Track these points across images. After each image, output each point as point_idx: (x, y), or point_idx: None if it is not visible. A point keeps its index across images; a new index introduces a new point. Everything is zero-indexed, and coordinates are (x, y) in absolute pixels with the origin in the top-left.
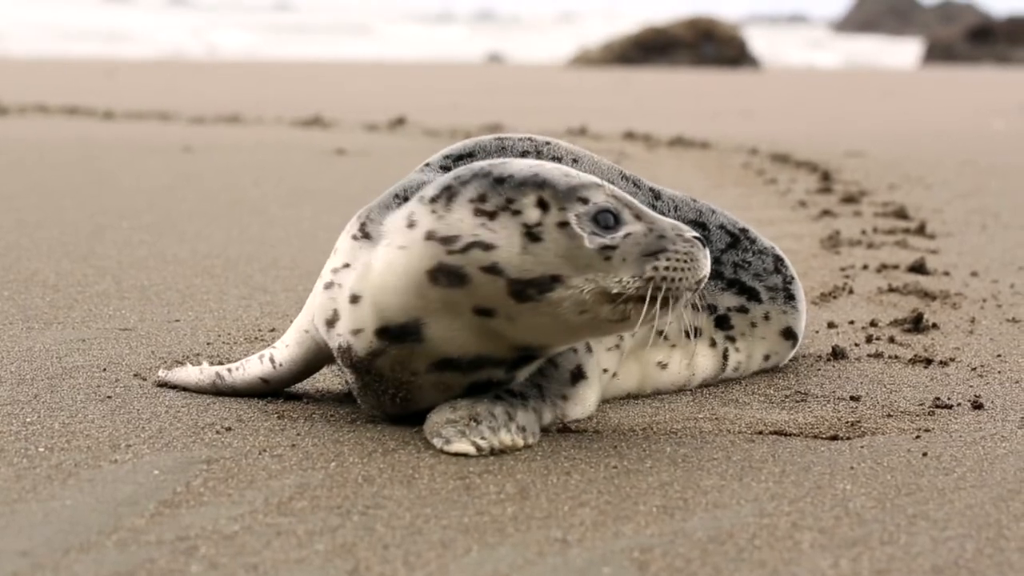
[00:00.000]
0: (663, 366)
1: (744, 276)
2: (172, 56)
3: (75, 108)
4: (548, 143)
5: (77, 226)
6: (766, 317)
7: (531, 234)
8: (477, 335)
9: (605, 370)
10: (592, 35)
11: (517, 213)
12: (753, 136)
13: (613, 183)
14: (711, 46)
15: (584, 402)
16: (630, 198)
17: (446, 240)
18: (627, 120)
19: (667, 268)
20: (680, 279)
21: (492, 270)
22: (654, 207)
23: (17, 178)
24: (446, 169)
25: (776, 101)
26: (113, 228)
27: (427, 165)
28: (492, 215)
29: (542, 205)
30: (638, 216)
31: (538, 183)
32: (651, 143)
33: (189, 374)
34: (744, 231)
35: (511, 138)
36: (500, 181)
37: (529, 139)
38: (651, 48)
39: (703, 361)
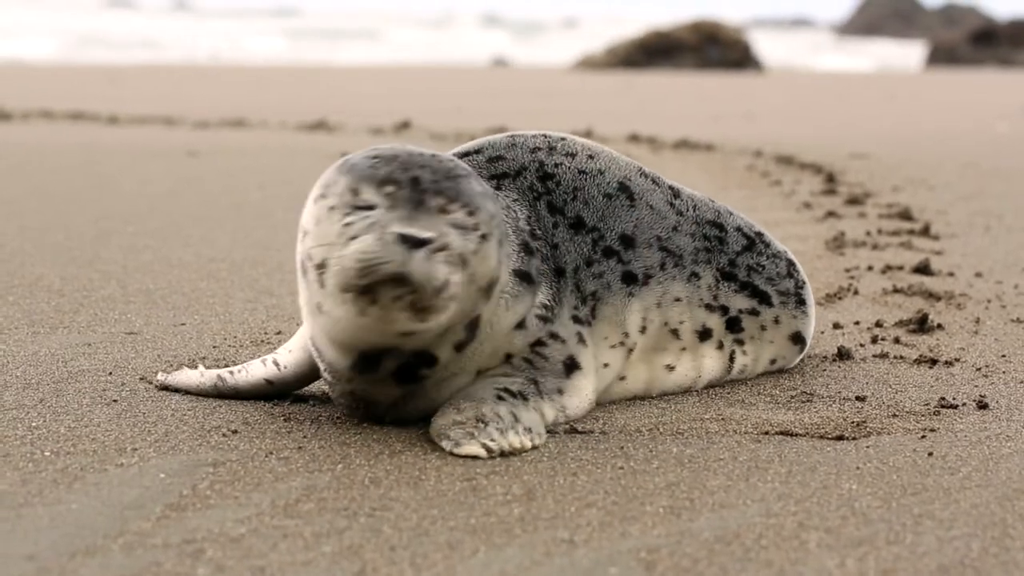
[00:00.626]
0: (671, 368)
1: (757, 280)
2: (176, 61)
3: (79, 113)
4: (563, 139)
5: (81, 231)
6: (776, 321)
7: (318, 218)
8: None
9: (606, 365)
10: (596, 39)
11: (323, 198)
12: (757, 139)
13: (630, 179)
14: (715, 49)
15: (581, 392)
16: (417, 198)
17: (302, 231)
18: (631, 123)
19: (340, 256)
20: (338, 269)
21: (308, 256)
22: (672, 205)
23: (20, 183)
24: None
25: (780, 104)
26: (118, 233)
27: None
28: (315, 201)
29: (336, 195)
30: (392, 209)
31: (343, 172)
32: (656, 146)
33: (190, 377)
34: (760, 235)
35: (524, 135)
36: (338, 171)
37: (543, 135)
38: (655, 51)
39: (710, 363)
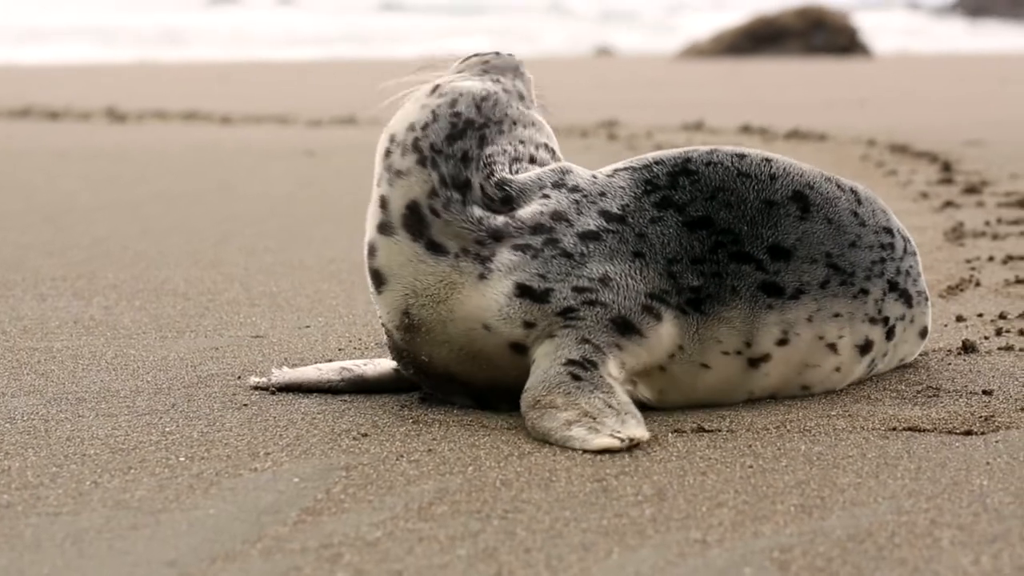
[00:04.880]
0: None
1: (908, 284)
2: (280, 57)
3: (193, 113)
4: (741, 149)
5: (203, 234)
6: (911, 320)
7: None
8: None
9: (705, 365)
10: (701, 27)
11: None
12: (870, 127)
13: (812, 187)
14: (822, 35)
15: (639, 359)
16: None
17: None
18: (742, 113)
19: None
20: None
21: None
22: (856, 215)
23: (141, 186)
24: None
25: (890, 90)
26: (239, 235)
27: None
28: None
29: None
30: None
31: None
32: (768, 136)
33: (306, 373)
34: (902, 231)
35: (713, 148)
36: None
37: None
38: (761, 38)
39: (858, 370)
